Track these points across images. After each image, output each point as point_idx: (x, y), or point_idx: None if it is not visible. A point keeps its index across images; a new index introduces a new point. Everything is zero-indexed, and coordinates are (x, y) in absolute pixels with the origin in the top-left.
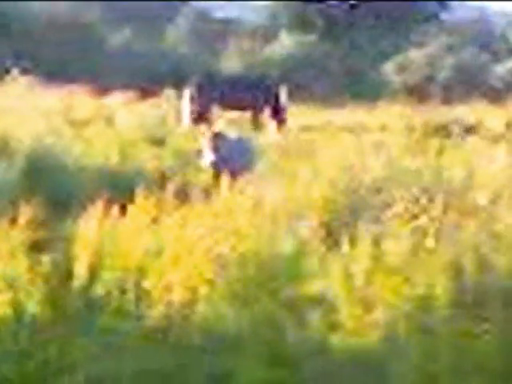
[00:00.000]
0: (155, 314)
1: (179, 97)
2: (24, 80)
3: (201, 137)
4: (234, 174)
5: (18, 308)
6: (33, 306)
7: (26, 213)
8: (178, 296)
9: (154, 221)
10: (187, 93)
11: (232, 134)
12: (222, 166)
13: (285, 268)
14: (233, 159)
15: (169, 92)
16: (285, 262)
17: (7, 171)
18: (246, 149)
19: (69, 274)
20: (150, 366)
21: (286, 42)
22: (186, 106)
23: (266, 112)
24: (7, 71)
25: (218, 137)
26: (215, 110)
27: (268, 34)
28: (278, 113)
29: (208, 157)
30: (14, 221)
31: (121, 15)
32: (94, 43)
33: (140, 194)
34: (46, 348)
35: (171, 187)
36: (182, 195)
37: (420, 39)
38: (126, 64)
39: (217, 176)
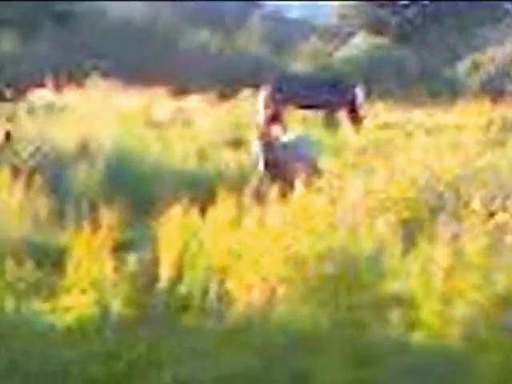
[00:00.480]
0: (236, 313)
1: (256, 98)
2: (104, 83)
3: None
4: (297, 172)
5: (103, 308)
6: (118, 307)
7: (108, 215)
8: (257, 296)
9: (234, 221)
10: (263, 93)
11: (290, 133)
12: (276, 170)
13: (364, 266)
14: (292, 159)
15: (246, 93)
16: (364, 261)
17: (89, 174)
18: (305, 146)
19: (153, 275)
20: (232, 366)
21: (360, 43)
22: (262, 107)
23: (343, 111)
24: (87, 75)
25: (268, 145)
26: (291, 110)
27: (340, 35)
28: (354, 112)
29: (260, 164)
30: (96, 223)
31: (197, 16)
32: (170, 45)
33: (220, 194)
34: (133, 349)
35: (250, 188)
36: (261, 195)
37: (496, 37)
38: (203, 65)
39: (273, 180)
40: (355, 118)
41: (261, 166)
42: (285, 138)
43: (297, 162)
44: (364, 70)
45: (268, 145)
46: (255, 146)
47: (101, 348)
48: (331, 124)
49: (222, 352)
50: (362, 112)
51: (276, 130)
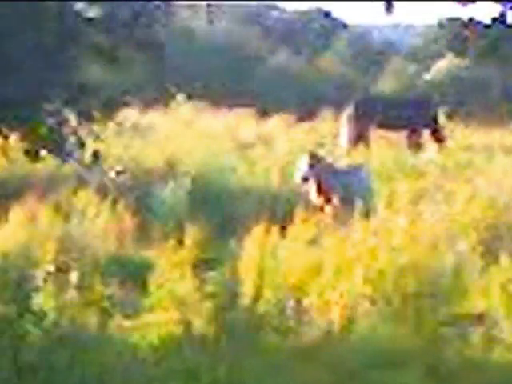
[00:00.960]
0: (315, 331)
1: (337, 118)
2: (189, 105)
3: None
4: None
5: (185, 326)
6: (200, 325)
7: (192, 233)
8: (336, 313)
9: (314, 241)
10: (346, 114)
11: (345, 165)
12: (311, 183)
13: (444, 284)
14: (335, 189)
15: (327, 113)
16: (444, 278)
17: (174, 193)
18: (352, 181)
19: (234, 293)
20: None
21: (444, 64)
22: (345, 127)
23: (425, 132)
24: (173, 96)
25: (314, 158)
26: (374, 130)
27: (425, 57)
28: (437, 132)
29: (300, 172)
30: (181, 241)
31: (278, 38)
32: (253, 66)
33: (299, 214)
34: (213, 369)
35: (329, 208)
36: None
37: None
38: (285, 86)
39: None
40: (438, 138)
41: (298, 176)
42: (339, 167)
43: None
44: (447, 90)
45: (319, 170)
46: (303, 170)
47: (182, 366)
48: (414, 144)
49: (301, 370)
50: (444, 132)
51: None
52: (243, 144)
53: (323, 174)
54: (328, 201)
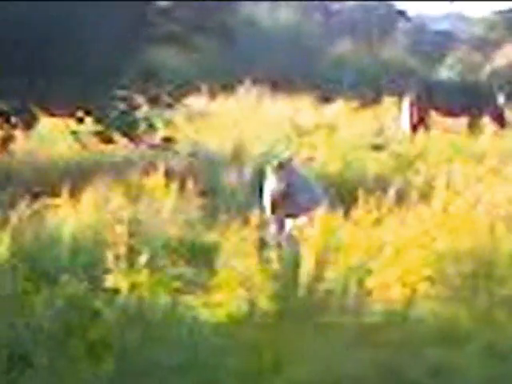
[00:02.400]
0: (375, 311)
1: (398, 105)
2: (254, 90)
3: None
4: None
5: (250, 304)
6: (264, 303)
7: (256, 215)
8: (397, 293)
9: (376, 222)
10: (406, 100)
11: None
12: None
13: (502, 265)
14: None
15: (389, 100)
16: (502, 259)
17: (240, 177)
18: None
19: (296, 273)
20: (370, 363)
21: (505, 52)
22: (406, 113)
23: (486, 117)
24: (239, 83)
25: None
26: (434, 117)
27: (485, 45)
28: (497, 118)
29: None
30: (245, 223)
31: (340, 26)
32: (314, 54)
33: (362, 196)
34: (277, 346)
35: (391, 190)
36: (402, 197)
37: None
38: (346, 74)
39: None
40: (498, 123)
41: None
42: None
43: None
44: (507, 77)
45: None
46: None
47: (247, 343)
48: (474, 130)
49: (361, 348)
50: (504, 118)
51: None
52: (304, 130)
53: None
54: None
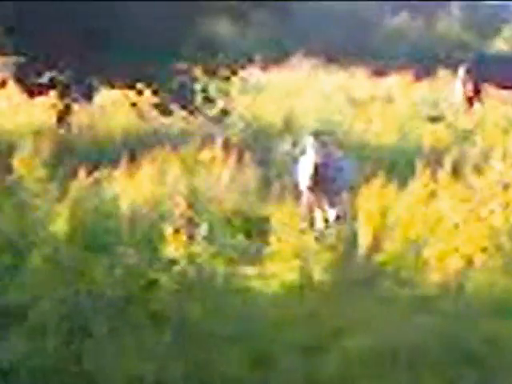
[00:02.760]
0: (431, 281)
1: (453, 78)
2: (308, 62)
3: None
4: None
5: (306, 275)
6: (319, 274)
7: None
8: (453, 265)
9: (432, 194)
10: (461, 73)
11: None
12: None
13: None
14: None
15: (443, 73)
16: None
17: (292, 148)
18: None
19: (352, 245)
20: (425, 332)
21: None
22: (460, 86)
23: None
24: (292, 55)
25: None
26: (489, 89)
27: None
28: None
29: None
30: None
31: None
32: (371, 27)
33: (418, 168)
34: (333, 316)
35: (448, 162)
36: (457, 169)
37: None
38: (402, 47)
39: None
40: None
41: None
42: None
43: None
44: None
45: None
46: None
47: (302, 312)
48: None
49: (417, 318)
50: None
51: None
52: (360, 101)
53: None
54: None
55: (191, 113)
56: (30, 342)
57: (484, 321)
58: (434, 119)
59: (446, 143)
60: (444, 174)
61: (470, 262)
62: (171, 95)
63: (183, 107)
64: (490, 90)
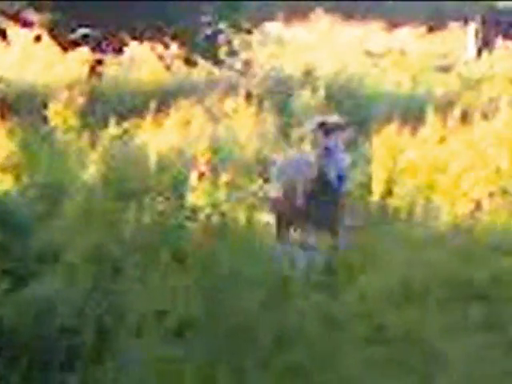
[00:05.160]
0: (441, 223)
1: (464, 31)
2: (326, 17)
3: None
4: None
5: None
6: None
7: None
8: (462, 208)
9: (442, 141)
10: (472, 26)
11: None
12: None
13: None
14: None
15: (454, 26)
16: None
17: (311, 98)
18: None
19: (366, 190)
20: (436, 269)
21: None
22: (471, 38)
23: None
24: (312, 9)
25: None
26: (499, 41)
27: None
28: None
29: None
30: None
31: None
32: None
33: (429, 116)
34: (347, 252)
35: (457, 110)
36: (466, 116)
37: None
38: (415, 2)
39: None
40: None
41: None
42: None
43: None
44: None
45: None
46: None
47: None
48: None
49: (428, 255)
50: None
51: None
52: (374, 54)
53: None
54: None
55: (215, 64)
56: (62, 282)
57: (491, 256)
58: (445, 69)
59: (456, 92)
60: (453, 120)
61: (478, 205)
62: (197, 47)
63: (207, 58)
64: (500, 42)
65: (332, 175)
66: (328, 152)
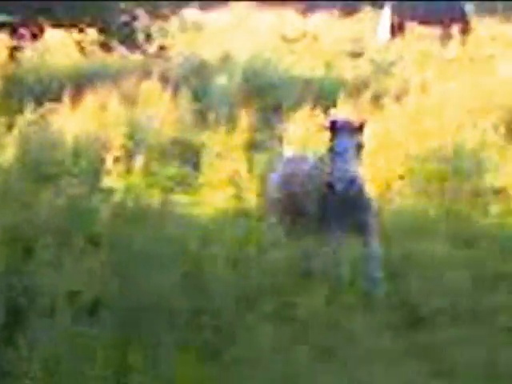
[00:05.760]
0: None
1: (377, 15)
2: (243, 4)
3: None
4: None
5: (238, 201)
6: (251, 200)
7: (243, 118)
8: (374, 190)
9: None
10: (385, 10)
11: None
12: None
13: (466, 162)
14: None
15: (367, 10)
16: (466, 157)
17: (228, 82)
18: None
19: None
20: None
21: None
22: (384, 22)
23: (455, 26)
24: None
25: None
26: (410, 26)
27: None
28: (463, 25)
29: None
30: (233, 126)
31: None
32: None
33: (341, 99)
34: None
35: (368, 94)
36: (377, 101)
37: None
38: None
39: None
40: (463, 30)
41: None
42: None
43: None
44: None
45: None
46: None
47: (234, 234)
48: (445, 38)
49: None
50: (470, 26)
51: None
52: (289, 39)
53: None
54: None
55: (131, 50)
56: None
57: (401, 238)
58: (356, 54)
59: (367, 76)
60: (364, 102)
61: (388, 186)
62: (114, 34)
63: (124, 44)
64: (412, 26)
65: (338, 186)
66: (336, 156)
